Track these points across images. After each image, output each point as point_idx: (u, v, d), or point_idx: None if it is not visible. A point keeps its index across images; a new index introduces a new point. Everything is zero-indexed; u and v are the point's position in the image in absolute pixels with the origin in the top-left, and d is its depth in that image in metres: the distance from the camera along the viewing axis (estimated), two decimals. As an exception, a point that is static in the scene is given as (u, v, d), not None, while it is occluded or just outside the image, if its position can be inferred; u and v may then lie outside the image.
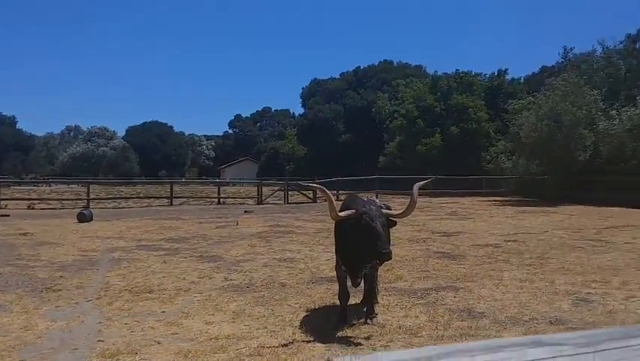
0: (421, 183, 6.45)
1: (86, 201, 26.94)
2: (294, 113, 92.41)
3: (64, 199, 29.64)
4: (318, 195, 30.98)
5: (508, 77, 50.62)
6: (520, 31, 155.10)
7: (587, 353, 0.62)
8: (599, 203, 24.43)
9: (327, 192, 6.06)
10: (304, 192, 32.58)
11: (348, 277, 6.30)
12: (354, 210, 5.74)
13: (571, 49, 36.74)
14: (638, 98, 27.56)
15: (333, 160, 55.27)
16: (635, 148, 26.13)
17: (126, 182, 48.72)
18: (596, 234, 14.41)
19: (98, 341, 5.60)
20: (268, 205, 28.25)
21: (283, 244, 12.78)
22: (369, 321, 6.25)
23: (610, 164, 27.63)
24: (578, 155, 28.12)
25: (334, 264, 6.64)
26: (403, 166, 42.33)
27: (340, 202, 7.53)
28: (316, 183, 29.56)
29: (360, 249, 5.64)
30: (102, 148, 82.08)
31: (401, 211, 5.91)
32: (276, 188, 34.20)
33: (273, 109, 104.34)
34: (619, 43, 33.76)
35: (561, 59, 37.33)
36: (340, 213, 5.84)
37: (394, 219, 5.91)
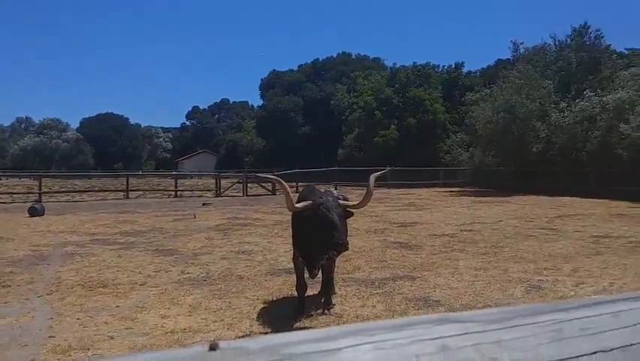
0: (378, 173, 6.46)
1: (37, 194, 26.20)
2: (252, 105, 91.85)
3: (14, 193, 28.73)
4: (277, 188, 30.87)
5: (465, 69, 51.49)
6: (476, 25, 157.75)
7: (496, 329, 0.61)
8: (552, 193, 25.13)
9: (284, 183, 6.02)
10: (263, 184, 32.44)
11: (305, 268, 6.29)
12: (311, 202, 5.73)
13: (521, 43, 37.49)
14: (585, 92, 28.36)
15: (293, 152, 55.19)
16: (585, 140, 26.90)
17: (80, 175, 47.53)
18: (548, 223, 14.81)
19: (49, 337, 5.46)
20: (227, 198, 28.03)
21: (241, 236, 12.69)
22: (326, 311, 6.27)
23: (562, 155, 28.41)
24: (531, 146, 28.80)
25: (292, 255, 6.62)
26: (362, 158, 42.59)
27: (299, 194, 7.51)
28: (274, 175, 29.29)
29: (317, 240, 5.62)
30: (55, 141, 79.90)
31: (358, 202, 5.92)
32: (235, 180, 33.92)
33: (231, 101, 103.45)
34: (567, 37, 34.62)
35: (512, 53, 38.02)
36: (297, 205, 5.82)
37: (351, 209, 5.92)
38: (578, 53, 32.79)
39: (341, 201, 5.80)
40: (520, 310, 0.67)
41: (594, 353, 0.64)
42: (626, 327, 0.68)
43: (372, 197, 6.04)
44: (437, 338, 0.58)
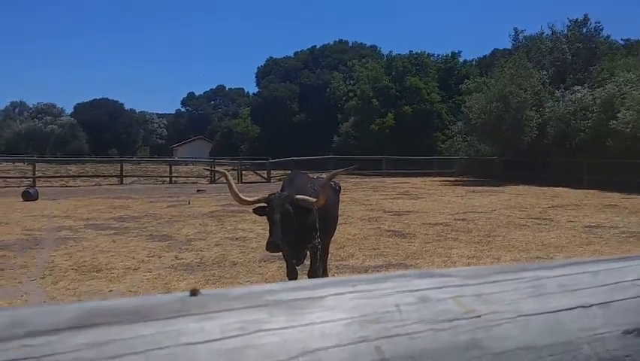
0: (339, 170, 6.51)
1: (31, 179, 26.11)
2: (248, 92, 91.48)
3: (8, 177, 28.59)
4: (272, 175, 30.94)
5: (461, 59, 51.40)
6: (473, 14, 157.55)
7: (475, 284, 0.63)
8: (545, 183, 25.23)
9: (228, 176, 6.08)
10: (258, 171, 32.52)
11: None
12: (265, 196, 5.76)
13: (522, 31, 37.26)
14: (576, 87, 28.46)
15: (288, 140, 55.08)
16: (578, 130, 26.97)
17: (74, 160, 47.31)
18: (541, 213, 14.87)
19: (42, 320, 5.47)
20: (221, 185, 27.97)
21: (235, 223, 12.71)
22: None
23: (556, 145, 28.49)
24: (525, 136, 28.85)
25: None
26: (358, 146, 42.57)
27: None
28: (268, 163, 28.91)
29: None
30: (50, 126, 79.44)
31: (316, 200, 5.85)
32: (229, 168, 33.88)
33: (227, 87, 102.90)
34: (565, 28, 34.55)
35: (512, 42, 37.83)
36: (247, 198, 5.85)
37: (310, 206, 5.84)
38: (573, 44, 32.77)
39: (298, 196, 5.76)
40: (499, 268, 0.69)
41: (574, 308, 0.65)
42: (605, 285, 0.70)
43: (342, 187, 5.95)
44: (417, 290, 0.59)
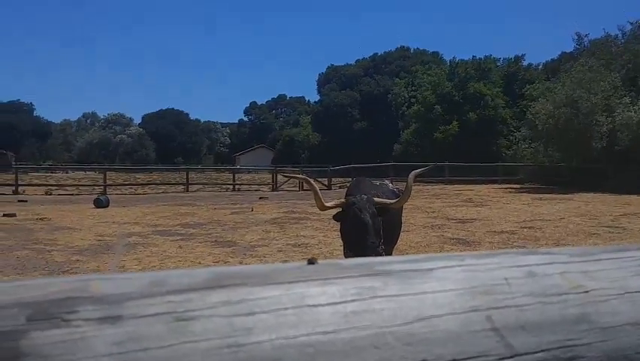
0: (418, 170, 6.26)
1: (102, 187, 27.20)
2: (309, 100, 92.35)
3: (81, 185, 29.90)
4: (332, 183, 31.06)
5: (525, 62, 50.23)
6: (539, 17, 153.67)
7: (582, 261, 0.64)
8: (617, 191, 24.18)
9: (312, 182, 5.90)
10: (319, 179, 32.71)
11: None
12: (343, 201, 5.56)
13: (585, 35, 36.18)
14: None
15: (348, 147, 55.20)
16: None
17: (143, 169, 49.09)
18: (613, 221, 14.29)
19: (115, 321, 5.66)
20: (283, 192, 28.34)
21: (297, 229, 12.80)
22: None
23: (628, 152, 27.32)
24: (595, 143, 27.82)
25: (343, 249, 6.55)
26: (419, 154, 42.17)
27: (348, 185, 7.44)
28: (329, 170, 28.75)
29: (351, 239, 5.38)
30: (119, 135, 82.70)
31: (396, 200, 5.68)
32: (290, 175, 34.21)
33: (288, 96, 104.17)
34: (630, 30, 33.25)
35: (576, 45, 36.72)
36: (328, 204, 5.64)
37: (390, 207, 5.65)
38: (647, 45, 31.46)
39: (377, 199, 5.56)
40: (603, 248, 0.70)
41: None
42: None
43: (412, 193, 5.73)
44: (524, 265, 0.61)
